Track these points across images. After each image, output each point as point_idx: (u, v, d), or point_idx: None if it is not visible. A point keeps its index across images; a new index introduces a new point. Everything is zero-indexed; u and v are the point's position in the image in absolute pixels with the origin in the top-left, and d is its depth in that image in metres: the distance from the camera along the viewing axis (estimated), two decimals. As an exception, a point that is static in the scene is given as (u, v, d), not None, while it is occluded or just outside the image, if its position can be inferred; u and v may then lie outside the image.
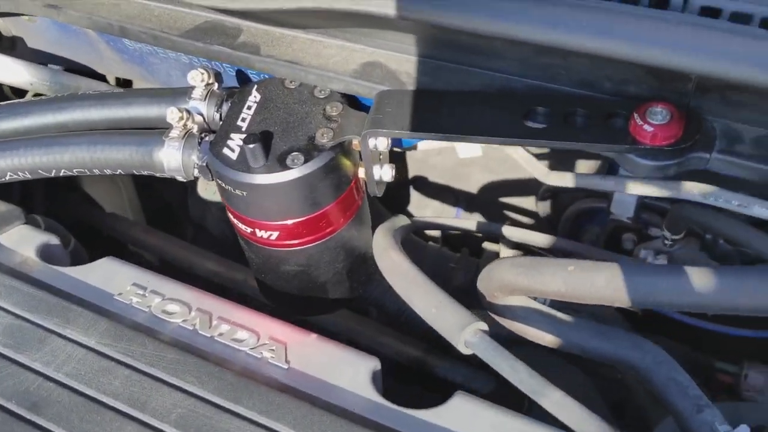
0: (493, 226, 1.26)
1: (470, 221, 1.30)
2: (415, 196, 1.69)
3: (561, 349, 0.94)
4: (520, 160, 1.15)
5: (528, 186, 1.53)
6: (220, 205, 1.41)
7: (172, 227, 1.69)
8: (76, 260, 1.08)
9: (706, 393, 1.03)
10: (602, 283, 0.79)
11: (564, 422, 0.73)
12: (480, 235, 1.49)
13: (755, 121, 0.77)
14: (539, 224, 1.55)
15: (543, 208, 1.52)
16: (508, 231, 1.25)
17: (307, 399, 0.80)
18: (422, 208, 1.70)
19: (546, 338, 0.93)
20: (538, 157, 1.20)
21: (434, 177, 1.66)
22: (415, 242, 1.50)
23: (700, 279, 0.72)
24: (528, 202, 1.58)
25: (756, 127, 0.77)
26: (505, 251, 1.46)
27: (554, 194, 1.49)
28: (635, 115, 0.76)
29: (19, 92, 1.38)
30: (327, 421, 0.76)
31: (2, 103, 1.08)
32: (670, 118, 0.75)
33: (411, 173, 1.67)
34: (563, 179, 1.10)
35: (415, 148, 1.07)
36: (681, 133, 0.75)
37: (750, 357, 1.25)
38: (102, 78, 1.25)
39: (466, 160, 1.51)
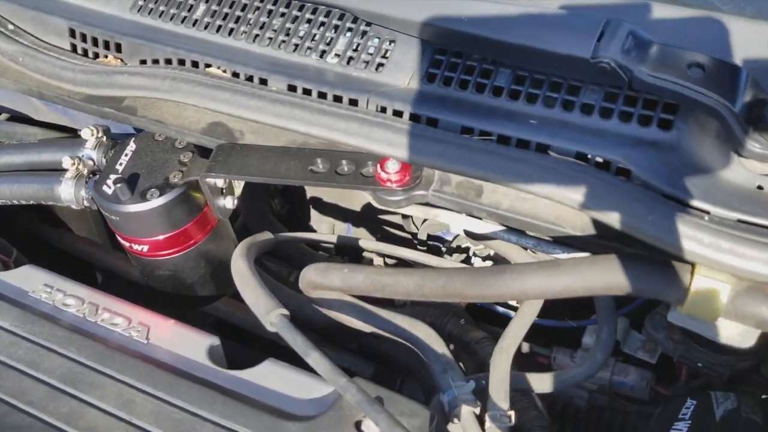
0: (348, 240, 1.60)
1: (329, 236, 1.63)
2: (314, 213, 2.03)
3: (362, 330, 1.26)
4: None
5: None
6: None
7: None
8: (18, 266, 1.42)
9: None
10: (360, 279, 1.14)
11: (320, 373, 1.06)
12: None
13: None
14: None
15: (407, 223, 1.86)
16: (363, 243, 1.58)
17: (156, 363, 1.13)
18: (320, 223, 2.03)
19: (352, 322, 1.26)
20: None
21: (328, 198, 1.99)
22: (306, 251, 1.84)
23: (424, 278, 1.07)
24: (398, 218, 1.92)
25: (460, 176, 1.10)
26: (377, 259, 1.82)
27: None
28: (378, 166, 1.11)
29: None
30: (164, 376, 1.10)
31: None
32: (399, 168, 1.10)
33: (309, 194, 2.01)
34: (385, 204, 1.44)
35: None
36: (407, 178, 1.10)
37: (558, 342, 1.56)
38: (37, 124, 1.59)
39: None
